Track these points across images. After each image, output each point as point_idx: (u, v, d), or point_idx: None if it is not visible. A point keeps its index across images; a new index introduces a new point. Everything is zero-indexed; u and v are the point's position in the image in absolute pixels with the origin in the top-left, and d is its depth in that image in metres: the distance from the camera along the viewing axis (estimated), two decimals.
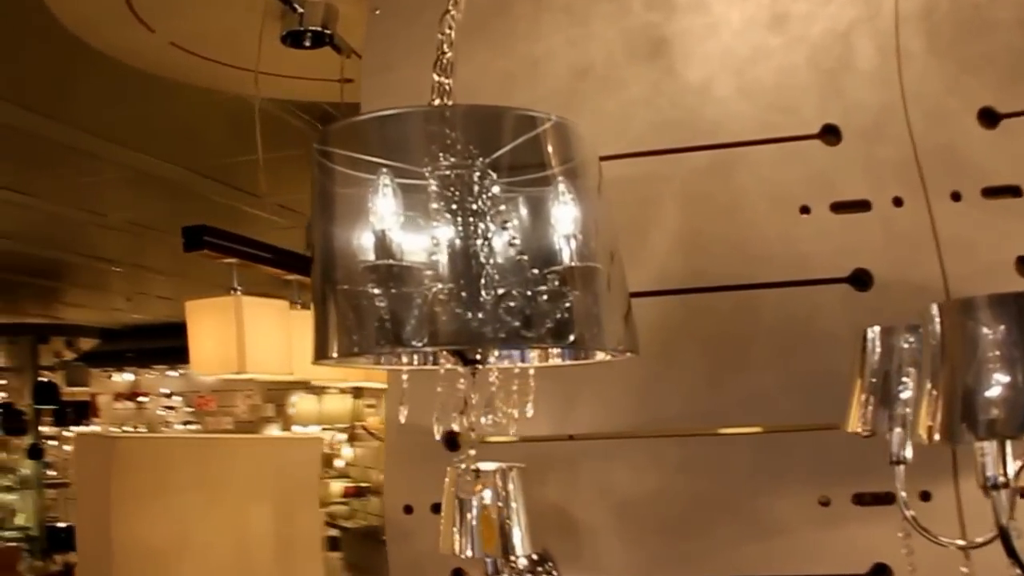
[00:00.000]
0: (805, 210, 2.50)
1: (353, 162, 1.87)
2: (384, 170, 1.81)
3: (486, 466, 2.28)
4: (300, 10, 2.98)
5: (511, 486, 2.26)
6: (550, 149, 1.91)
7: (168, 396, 12.88)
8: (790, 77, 2.59)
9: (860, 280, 2.45)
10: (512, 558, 2.18)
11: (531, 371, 2.01)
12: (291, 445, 2.59)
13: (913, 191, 2.47)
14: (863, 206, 2.49)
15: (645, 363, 2.53)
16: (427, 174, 1.79)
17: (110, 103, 5.18)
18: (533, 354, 2.07)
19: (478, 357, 1.93)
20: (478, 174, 1.82)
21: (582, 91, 2.68)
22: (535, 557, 2.47)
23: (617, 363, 2.54)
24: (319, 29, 3.03)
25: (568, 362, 2.09)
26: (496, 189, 1.83)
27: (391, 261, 1.78)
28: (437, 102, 2.00)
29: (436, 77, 2.04)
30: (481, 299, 1.75)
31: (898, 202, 2.47)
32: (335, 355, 1.81)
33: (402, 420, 1.93)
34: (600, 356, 2.01)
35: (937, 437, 1.64)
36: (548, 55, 2.72)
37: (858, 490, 2.39)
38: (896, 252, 2.45)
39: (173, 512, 2.37)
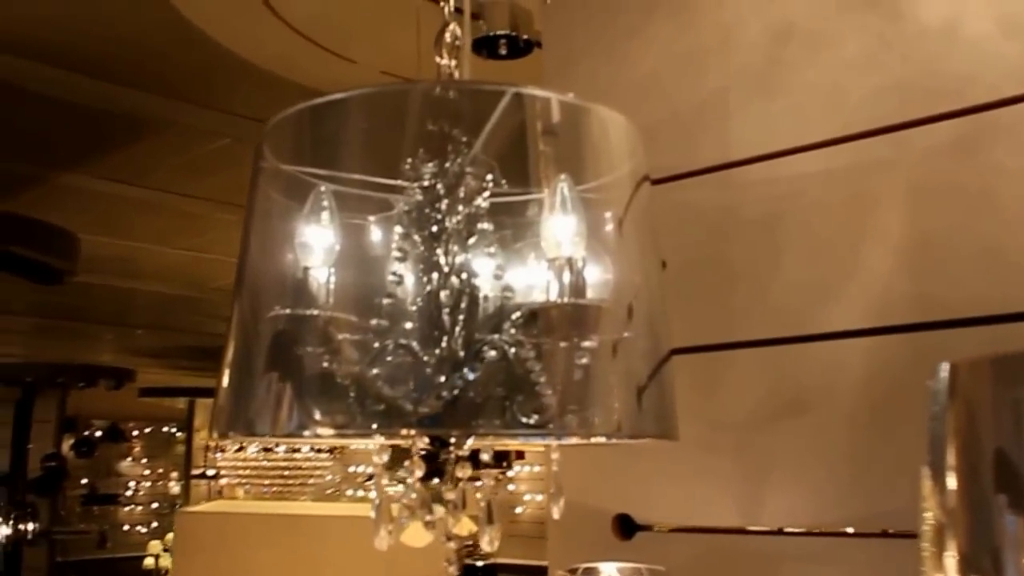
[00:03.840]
0: None
1: (282, 172, 1.41)
2: (321, 187, 1.33)
3: (608, 568, 1.70)
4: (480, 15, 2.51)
5: None
6: (561, 146, 1.32)
7: None
8: None
9: None
10: None
11: (553, 456, 1.39)
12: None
13: None
14: None
15: (857, 430, 1.78)
16: (382, 183, 1.27)
17: None
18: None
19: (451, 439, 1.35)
20: (455, 181, 1.29)
21: (784, 59, 1.96)
22: None
23: (817, 429, 1.83)
24: (510, 33, 2.53)
25: (596, 440, 1.45)
26: (481, 201, 1.28)
27: (311, 311, 1.28)
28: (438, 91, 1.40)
29: (438, 59, 1.48)
30: (432, 360, 1.23)
31: None
32: (218, 431, 1.32)
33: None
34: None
35: None
36: (739, 20, 2.03)
37: None
38: None
39: None
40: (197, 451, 13.53)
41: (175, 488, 14.42)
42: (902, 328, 1.75)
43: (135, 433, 14.84)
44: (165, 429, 14.75)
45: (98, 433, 14.51)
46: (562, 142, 1.31)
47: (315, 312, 1.25)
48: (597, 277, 1.26)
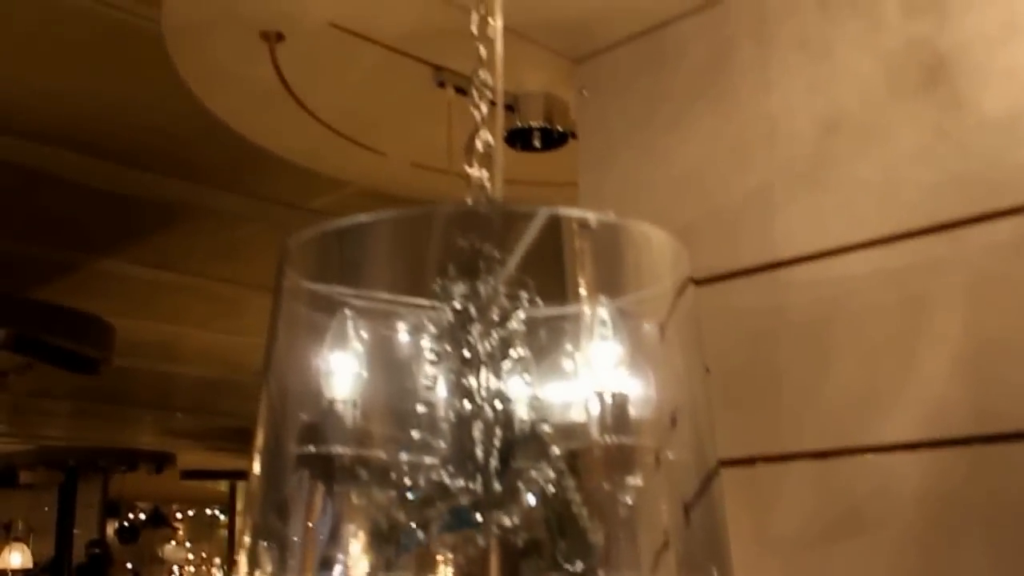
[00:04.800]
0: None
1: (306, 289, 1.29)
2: (346, 310, 1.25)
3: None
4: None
5: None
6: (594, 266, 1.24)
7: None
8: None
9: None
10: None
11: None
12: None
13: None
14: None
15: (910, 550, 1.66)
16: (413, 308, 1.18)
17: None
18: None
19: None
20: (487, 303, 1.21)
21: (833, 152, 1.87)
22: None
23: (869, 550, 1.71)
24: (544, 125, 2.46)
25: None
26: (516, 324, 1.20)
27: (336, 449, 1.21)
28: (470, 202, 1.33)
29: (467, 168, 1.39)
30: (468, 499, 1.15)
31: None
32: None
33: None
34: None
35: None
36: (786, 109, 1.95)
37: None
38: None
39: None
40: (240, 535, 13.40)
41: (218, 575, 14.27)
42: (959, 441, 1.64)
43: (179, 516, 14.74)
44: (208, 511, 14.64)
45: (142, 516, 14.42)
46: (601, 259, 1.23)
47: (341, 450, 1.19)
48: (639, 389, 1.18)
